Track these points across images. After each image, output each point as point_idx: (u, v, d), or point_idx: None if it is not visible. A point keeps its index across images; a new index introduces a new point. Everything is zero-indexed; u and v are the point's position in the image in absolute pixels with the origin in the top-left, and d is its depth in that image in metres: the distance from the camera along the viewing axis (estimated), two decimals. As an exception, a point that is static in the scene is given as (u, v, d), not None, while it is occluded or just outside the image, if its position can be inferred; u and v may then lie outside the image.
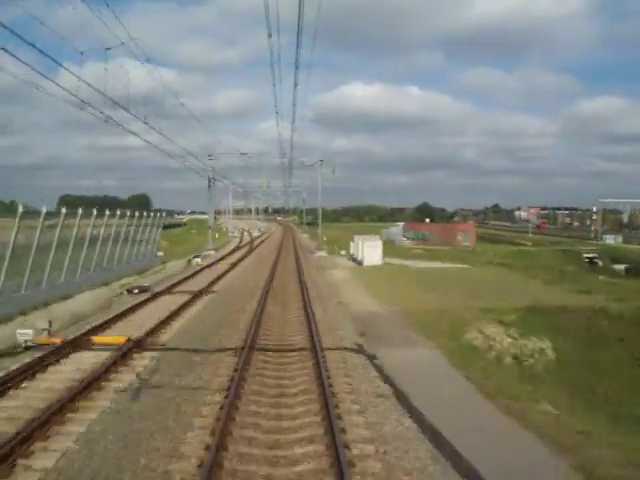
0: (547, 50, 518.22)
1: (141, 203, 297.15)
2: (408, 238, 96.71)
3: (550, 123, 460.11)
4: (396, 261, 43.80)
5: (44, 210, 23.10)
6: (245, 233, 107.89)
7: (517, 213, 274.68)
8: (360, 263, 41.37)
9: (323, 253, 54.07)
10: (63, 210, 25.41)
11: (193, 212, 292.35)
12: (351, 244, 48.48)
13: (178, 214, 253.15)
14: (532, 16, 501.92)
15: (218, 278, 31.92)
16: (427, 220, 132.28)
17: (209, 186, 55.24)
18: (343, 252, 53.11)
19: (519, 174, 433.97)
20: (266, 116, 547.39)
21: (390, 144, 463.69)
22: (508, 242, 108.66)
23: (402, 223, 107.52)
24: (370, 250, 40.71)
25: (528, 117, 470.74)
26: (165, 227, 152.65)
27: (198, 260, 41.57)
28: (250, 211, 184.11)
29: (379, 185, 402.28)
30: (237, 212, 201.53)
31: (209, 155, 54.37)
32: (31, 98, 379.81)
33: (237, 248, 61.62)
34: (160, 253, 42.34)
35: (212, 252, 53.89)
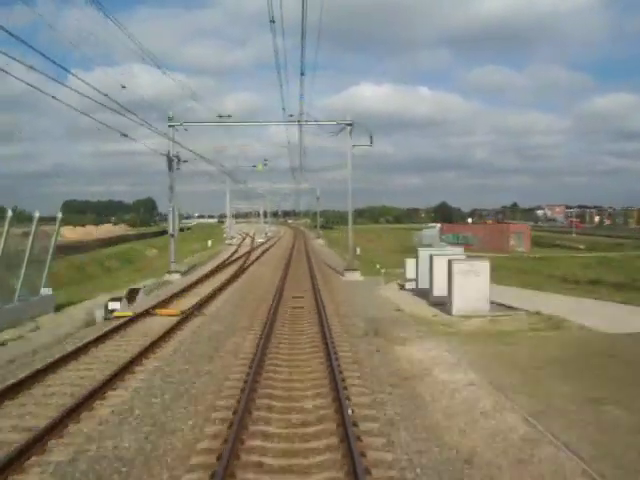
0: (557, 46, 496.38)
1: (147, 207, 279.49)
2: (448, 243, 75.55)
3: (561, 120, 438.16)
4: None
5: None
6: (247, 239, 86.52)
7: (539, 212, 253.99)
8: (444, 307, 19.93)
9: (357, 276, 32.85)
10: None
11: (202, 216, 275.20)
12: (407, 264, 27.27)
13: (186, 218, 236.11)
14: (541, 11, 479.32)
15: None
16: (465, 221, 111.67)
17: (169, 167, 33.73)
18: (384, 270, 32.03)
19: (530, 172, 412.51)
20: (275, 119, 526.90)
21: (400, 145, 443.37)
22: (555, 245, 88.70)
23: (437, 225, 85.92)
24: (464, 281, 18.98)
25: (538, 114, 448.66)
26: (160, 233, 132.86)
27: (116, 307, 19.34)
28: (258, 214, 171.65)
29: (390, 186, 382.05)
30: (245, 215, 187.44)
31: (169, 118, 32.98)
32: (37, 105, 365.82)
33: (222, 265, 40.43)
34: (49, 291, 21.05)
35: (176, 276, 32.92)
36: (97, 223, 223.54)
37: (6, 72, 14.03)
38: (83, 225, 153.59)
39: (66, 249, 79.97)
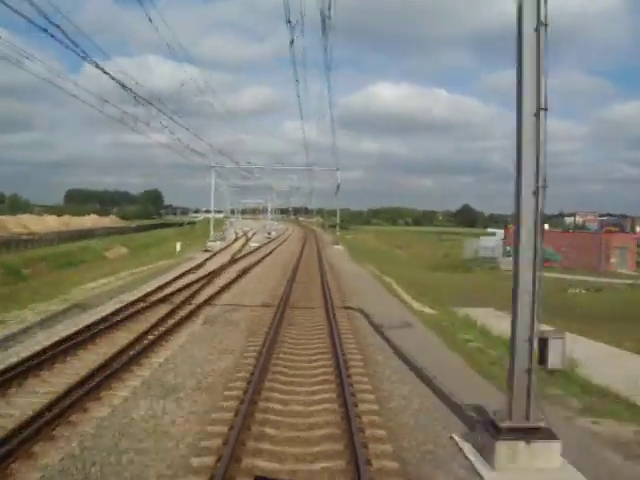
0: (578, 51, 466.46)
1: (152, 199, 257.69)
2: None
3: (579, 127, 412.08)
4: None
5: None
6: (239, 242, 62.65)
7: (568, 219, 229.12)
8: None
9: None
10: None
11: (208, 211, 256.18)
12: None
13: (195, 212, 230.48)
14: (562, 14, 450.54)
15: None
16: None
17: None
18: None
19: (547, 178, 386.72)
20: (291, 115, 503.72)
21: (416, 147, 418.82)
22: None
23: (499, 231, 61.49)
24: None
25: (556, 121, 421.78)
26: (158, 226, 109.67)
27: None
28: (265, 210, 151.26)
29: (402, 188, 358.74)
30: (253, 212, 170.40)
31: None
32: (52, 95, 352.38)
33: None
34: None
35: None
36: (99, 214, 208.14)
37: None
38: (72, 215, 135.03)
39: (7, 244, 61.06)
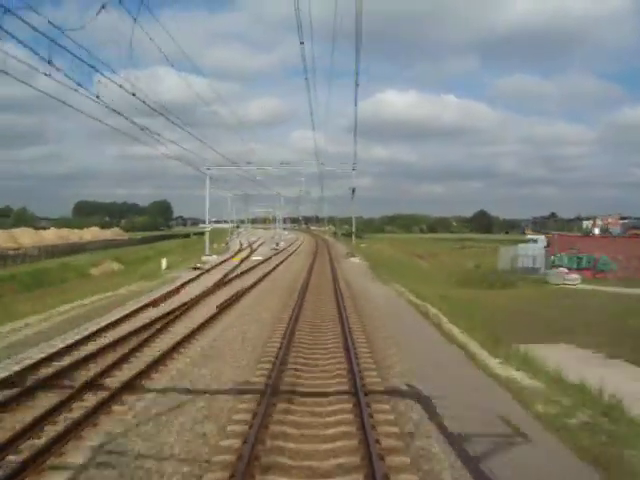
0: (587, 54, 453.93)
1: (161, 210, 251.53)
2: (563, 267, 43.31)
3: (588, 131, 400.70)
4: None
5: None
6: (241, 254, 55.00)
7: (586, 223, 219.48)
8: None
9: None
10: None
11: (217, 221, 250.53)
12: None
13: (204, 222, 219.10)
14: (572, 17, 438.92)
15: None
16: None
17: None
18: None
19: (556, 183, 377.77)
20: (299, 125, 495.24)
21: (426, 153, 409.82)
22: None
23: (541, 237, 53.00)
24: None
25: (565, 125, 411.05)
26: (163, 238, 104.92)
27: None
28: (275, 220, 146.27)
29: (412, 195, 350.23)
30: (264, 221, 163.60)
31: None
32: (61, 107, 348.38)
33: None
34: None
35: None
36: (105, 226, 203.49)
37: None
38: (81, 228, 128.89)
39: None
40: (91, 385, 9.74)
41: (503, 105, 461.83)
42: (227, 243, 77.66)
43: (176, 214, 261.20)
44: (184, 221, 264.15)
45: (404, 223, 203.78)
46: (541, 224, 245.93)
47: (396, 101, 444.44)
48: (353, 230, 68.06)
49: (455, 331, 17.19)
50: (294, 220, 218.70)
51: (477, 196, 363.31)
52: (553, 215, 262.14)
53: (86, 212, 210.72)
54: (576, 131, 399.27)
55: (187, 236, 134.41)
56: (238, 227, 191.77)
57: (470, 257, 67.33)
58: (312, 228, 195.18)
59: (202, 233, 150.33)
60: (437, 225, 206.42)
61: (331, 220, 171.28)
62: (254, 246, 69.56)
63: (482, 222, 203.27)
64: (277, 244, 69.28)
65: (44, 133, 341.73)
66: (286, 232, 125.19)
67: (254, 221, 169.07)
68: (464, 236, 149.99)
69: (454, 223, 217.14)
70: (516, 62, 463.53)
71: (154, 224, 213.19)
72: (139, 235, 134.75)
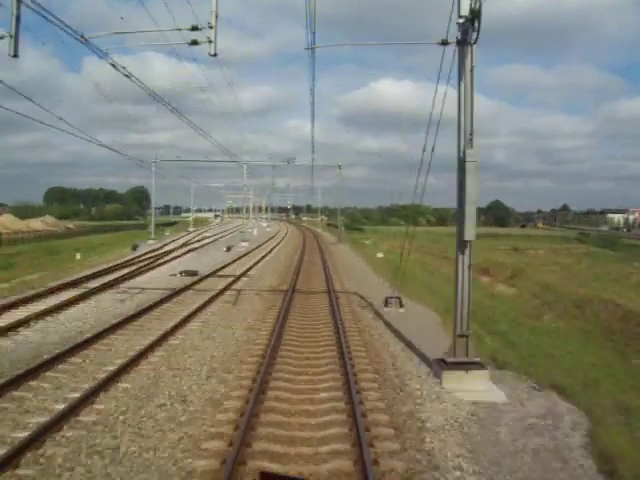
0: (587, 45, 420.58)
1: (137, 197, 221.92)
2: None
3: (586, 123, 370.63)
4: None
5: None
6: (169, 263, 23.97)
7: (612, 216, 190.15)
8: None
9: None
10: None
11: (199, 210, 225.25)
12: None
13: (186, 211, 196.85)
14: (572, 6, 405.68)
15: None
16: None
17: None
18: None
19: (552, 176, 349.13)
20: (293, 114, 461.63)
21: (419, 143, 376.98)
22: None
23: None
24: None
25: (563, 116, 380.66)
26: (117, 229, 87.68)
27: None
28: (260, 209, 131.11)
29: (403, 186, 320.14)
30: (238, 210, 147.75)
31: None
32: (52, 93, 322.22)
33: None
34: None
35: None
36: (77, 214, 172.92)
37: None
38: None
39: None
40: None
41: (499, 96, 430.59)
42: (158, 241, 47.30)
43: (163, 202, 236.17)
44: (167, 210, 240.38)
45: (406, 213, 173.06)
46: (553, 217, 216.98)
47: (390, 90, 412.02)
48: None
49: None
50: (284, 210, 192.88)
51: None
52: (565, 208, 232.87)
53: (58, 199, 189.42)
54: (572, 123, 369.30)
55: (144, 227, 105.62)
56: (217, 217, 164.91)
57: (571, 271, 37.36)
58: (304, 219, 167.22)
59: (175, 223, 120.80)
60: (446, 216, 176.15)
61: (325, 211, 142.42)
62: (196, 244, 39.35)
63: (498, 214, 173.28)
64: (228, 248, 38.76)
65: (32, 120, 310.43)
66: (264, 224, 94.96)
67: (238, 210, 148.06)
68: (486, 231, 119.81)
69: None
70: (516, 51, 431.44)
71: (128, 212, 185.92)
72: (105, 224, 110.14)
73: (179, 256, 33.95)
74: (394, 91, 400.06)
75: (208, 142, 33.88)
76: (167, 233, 62.84)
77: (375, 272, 27.47)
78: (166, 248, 39.16)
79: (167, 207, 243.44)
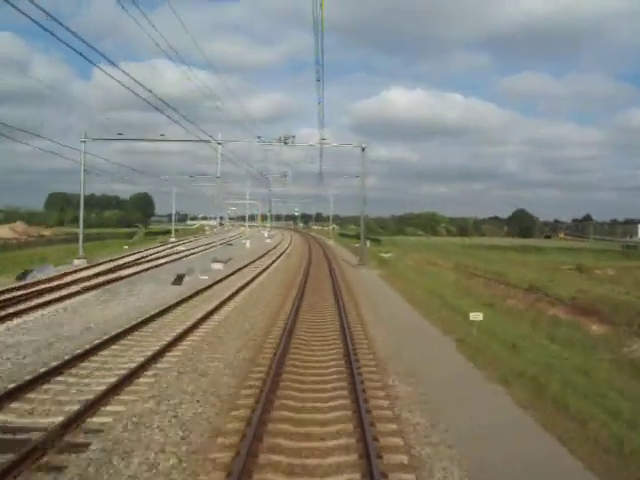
0: (599, 52, 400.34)
1: (141, 204, 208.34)
2: None
3: (597, 132, 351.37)
4: None
5: None
6: None
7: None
8: None
9: None
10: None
11: (205, 217, 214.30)
12: None
13: (192, 219, 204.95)
14: (584, 14, 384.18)
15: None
16: None
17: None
18: None
19: (561, 185, 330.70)
20: (303, 122, 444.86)
21: (430, 153, 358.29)
22: None
23: None
24: None
25: (574, 126, 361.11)
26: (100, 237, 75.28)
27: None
28: (265, 218, 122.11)
29: (414, 195, 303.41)
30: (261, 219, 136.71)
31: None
32: (61, 101, 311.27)
33: None
34: None
35: None
36: (77, 220, 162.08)
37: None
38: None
39: None
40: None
41: (510, 104, 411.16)
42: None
43: (172, 210, 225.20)
44: (170, 217, 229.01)
45: (421, 222, 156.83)
46: (576, 228, 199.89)
47: (401, 99, 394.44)
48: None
49: None
50: (292, 218, 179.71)
51: (478, 197, 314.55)
52: (588, 218, 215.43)
53: (59, 205, 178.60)
54: (583, 132, 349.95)
55: (131, 235, 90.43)
56: (221, 224, 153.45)
57: None
58: (314, 227, 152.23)
59: (168, 231, 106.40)
60: (466, 226, 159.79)
61: (337, 219, 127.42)
62: (141, 267, 23.69)
63: (523, 224, 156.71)
64: (178, 278, 22.77)
65: (42, 127, 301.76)
66: (265, 233, 79.26)
67: (243, 218, 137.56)
68: (510, 242, 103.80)
69: (483, 225, 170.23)
70: (527, 60, 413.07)
71: (128, 219, 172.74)
72: (92, 232, 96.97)
73: (69, 295, 18.26)
74: (405, 100, 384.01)
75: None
76: (126, 247, 47.23)
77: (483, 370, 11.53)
78: (75, 276, 23.37)
79: (175, 214, 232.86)
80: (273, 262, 34.39)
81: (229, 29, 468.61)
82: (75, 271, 25.72)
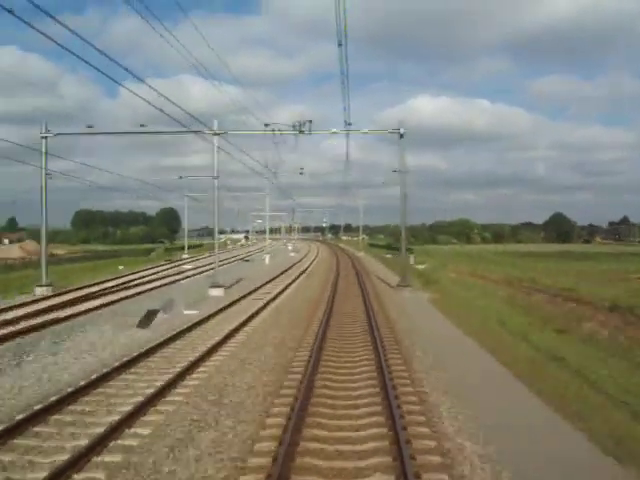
0: (630, 52, 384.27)
1: (167, 219, 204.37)
2: None
3: (629, 134, 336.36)
4: None
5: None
6: None
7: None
8: None
9: None
10: None
11: (233, 231, 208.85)
12: None
13: (220, 233, 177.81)
14: (613, 13, 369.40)
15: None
16: None
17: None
18: None
19: (592, 189, 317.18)
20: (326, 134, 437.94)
21: (458, 160, 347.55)
22: None
23: None
24: None
25: (605, 128, 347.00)
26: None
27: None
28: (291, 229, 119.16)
29: (442, 203, 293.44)
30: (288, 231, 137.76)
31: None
32: (90, 119, 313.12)
33: None
34: None
35: None
36: (104, 237, 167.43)
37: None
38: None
39: None
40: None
41: (539, 109, 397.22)
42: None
43: (202, 224, 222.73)
44: (201, 232, 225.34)
45: (455, 230, 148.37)
46: (614, 231, 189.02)
47: (427, 107, 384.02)
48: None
49: None
50: (320, 229, 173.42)
51: (506, 203, 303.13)
52: (625, 220, 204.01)
53: (86, 222, 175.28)
54: (613, 135, 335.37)
55: (150, 252, 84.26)
56: (247, 237, 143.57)
57: None
58: (343, 238, 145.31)
59: (201, 245, 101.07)
60: (501, 232, 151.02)
61: (367, 230, 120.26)
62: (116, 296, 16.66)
63: (560, 229, 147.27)
64: (146, 319, 15.49)
65: (72, 146, 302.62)
66: (290, 246, 72.41)
67: (271, 231, 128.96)
68: (548, 248, 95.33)
69: (519, 230, 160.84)
70: (555, 63, 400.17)
71: (153, 235, 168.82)
72: (109, 248, 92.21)
73: None
74: (431, 107, 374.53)
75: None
76: (121, 267, 40.34)
77: None
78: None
79: (206, 228, 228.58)
80: (291, 283, 27.06)
81: (251, 43, 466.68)
82: (16, 306, 18.76)
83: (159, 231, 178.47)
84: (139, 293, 22.71)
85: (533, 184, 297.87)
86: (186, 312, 17.69)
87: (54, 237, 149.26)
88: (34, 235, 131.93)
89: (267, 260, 45.00)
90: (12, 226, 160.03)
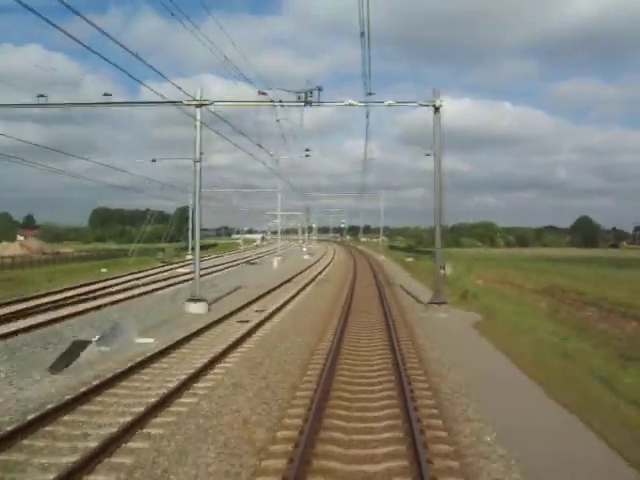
0: None
1: (183, 217, 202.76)
2: None
3: None
4: None
5: None
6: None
7: None
8: None
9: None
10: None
11: (250, 231, 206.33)
12: None
13: (237, 233, 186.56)
14: (637, 12, 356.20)
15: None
16: None
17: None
18: None
19: (615, 193, 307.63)
20: (348, 134, 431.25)
21: (479, 162, 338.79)
22: None
23: None
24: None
25: (628, 131, 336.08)
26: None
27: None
28: (305, 230, 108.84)
29: (464, 206, 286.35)
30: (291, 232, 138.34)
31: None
32: (111, 118, 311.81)
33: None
34: None
35: None
36: (122, 235, 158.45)
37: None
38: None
39: None
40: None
41: (561, 112, 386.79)
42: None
43: (220, 224, 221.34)
44: (220, 231, 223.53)
45: (478, 232, 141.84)
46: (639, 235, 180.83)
47: (449, 108, 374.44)
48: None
49: None
50: (338, 230, 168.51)
51: (527, 206, 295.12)
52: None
53: (103, 220, 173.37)
54: (636, 137, 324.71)
55: (161, 250, 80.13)
56: (263, 239, 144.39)
57: None
58: (362, 240, 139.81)
59: (215, 244, 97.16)
60: (525, 235, 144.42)
61: (387, 231, 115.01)
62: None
63: (586, 233, 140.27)
64: (58, 366, 10.53)
65: (94, 144, 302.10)
66: (305, 248, 67.39)
67: (288, 231, 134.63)
68: (587, 254, 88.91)
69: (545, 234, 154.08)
70: (579, 65, 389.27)
71: (171, 233, 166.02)
72: (131, 247, 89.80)
73: None
74: (453, 109, 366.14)
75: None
76: (104, 270, 35.45)
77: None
78: None
79: (224, 228, 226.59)
80: (295, 296, 21.77)
81: (273, 43, 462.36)
82: None
83: (176, 230, 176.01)
84: (95, 308, 17.56)
85: (555, 187, 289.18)
86: (139, 340, 12.58)
87: (67, 235, 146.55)
88: (46, 232, 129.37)
89: (275, 264, 39.86)
90: (29, 223, 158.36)
